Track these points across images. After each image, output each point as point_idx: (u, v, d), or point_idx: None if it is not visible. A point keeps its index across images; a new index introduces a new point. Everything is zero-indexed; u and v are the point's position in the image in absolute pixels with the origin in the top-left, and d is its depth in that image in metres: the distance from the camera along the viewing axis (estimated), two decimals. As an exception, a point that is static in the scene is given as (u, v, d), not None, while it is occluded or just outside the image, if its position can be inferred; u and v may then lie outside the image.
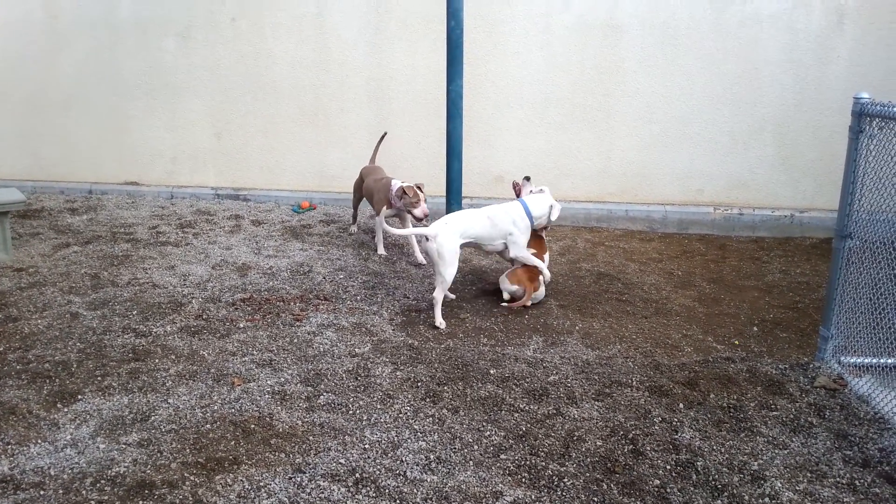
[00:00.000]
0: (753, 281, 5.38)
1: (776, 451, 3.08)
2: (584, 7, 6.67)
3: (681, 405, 3.45)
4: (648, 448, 3.08)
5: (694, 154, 6.81)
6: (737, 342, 4.29)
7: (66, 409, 3.36)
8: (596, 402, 3.47)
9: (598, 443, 3.11)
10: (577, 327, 4.45)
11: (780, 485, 2.84)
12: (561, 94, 6.90)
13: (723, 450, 3.08)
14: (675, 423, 3.28)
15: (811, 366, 3.86)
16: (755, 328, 4.51)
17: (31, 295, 4.78)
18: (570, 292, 5.05)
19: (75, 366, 3.79)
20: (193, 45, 7.49)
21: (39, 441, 3.11)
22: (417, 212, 5.32)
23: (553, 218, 4.85)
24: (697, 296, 5.06)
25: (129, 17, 7.57)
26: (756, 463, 2.99)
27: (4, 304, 4.60)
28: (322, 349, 4.05)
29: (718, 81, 6.62)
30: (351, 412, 3.38)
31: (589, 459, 3.00)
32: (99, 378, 3.66)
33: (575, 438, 3.15)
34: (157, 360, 3.87)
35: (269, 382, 3.64)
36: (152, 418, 3.29)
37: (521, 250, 4.76)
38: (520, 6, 6.78)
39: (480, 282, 5.27)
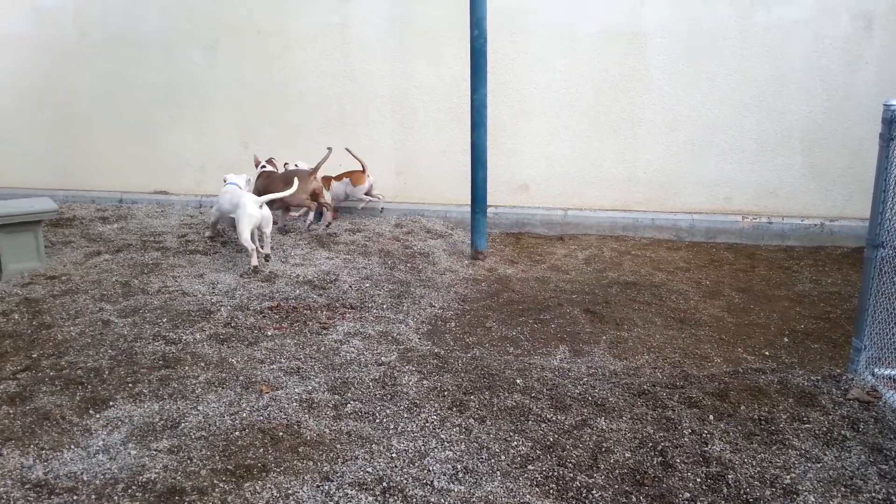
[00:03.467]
0: (783, 291, 5.32)
1: (809, 465, 3.03)
2: (606, 15, 6.66)
3: (711, 417, 3.42)
4: (678, 460, 3.05)
5: (721, 162, 6.75)
6: (767, 353, 4.24)
7: (98, 416, 3.41)
8: (624, 413, 3.44)
9: (626, 454, 3.09)
10: (603, 337, 4.43)
11: (813, 499, 2.80)
12: (585, 103, 6.89)
13: (754, 463, 3.04)
14: (704, 435, 3.24)
15: (844, 377, 3.79)
16: (786, 339, 4.46)
17: (64, 302, 4.86)
18: (597, 301, 5.03)
19: (107, 372, 3.84)
20: (220, 56, 7.60)
21: (72, 447, 3.15)
22: None
23: None
24: (726, 306, 5.01)
25: (155, 30, 7.70)
26: (788, 476, 2.95)
27: (38, 312, 4.68)
28: (349, 357, 4.07)
29: (745, 89, 6.57)
30: (378, 421, 3.39)
31: (617, 471, 2.97)
32: (130, 385, 3.71)
33: (603, 450, 3.13)
34: (186, 368, 3.91)
35: (296, 390, 3.66)
36: (182, 425, 3.33)
37: None
38: (543, 14, 6.78)
39: (507, 291, 5.27)
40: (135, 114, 7.97)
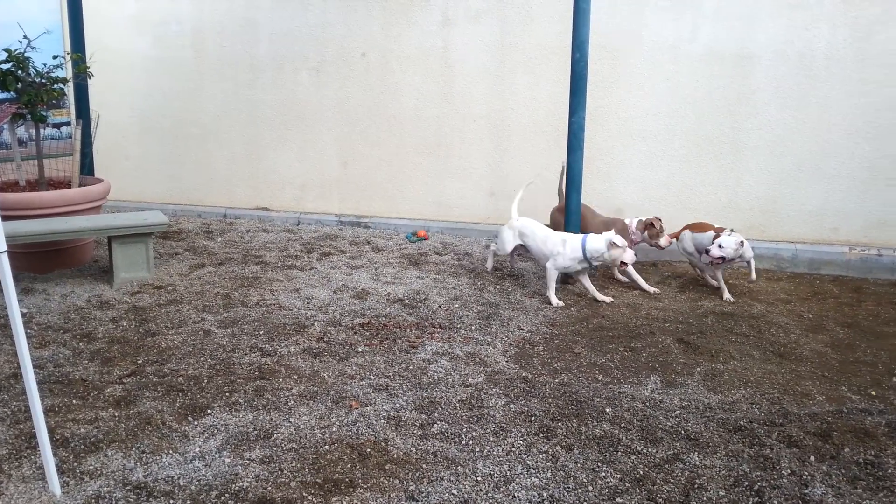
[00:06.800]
0: (893, 327, 5.01)
1: (921, 516, 2.84)
2: (713, 37, 6.51)
3: (812, 458, 3.25)
4: (776, 502, 2.90)
5: (829, 190, 6.45)
6: (874, 393, 4.00)
7: (196, 423, 3.56)
8: (719, 449, 3.32)
9: (720, 493, 2.97)
10: (697, 369, 4.29)
11: (925, 554, 2.61)
12: (686, 126, 6.74)
13: (859, 510, 2.87)
14: (805, 477, 3.08)
15: (962, 424, 3.54)
16: (895, 379, 4.19)
17: (169, 311, 5.11)
18: (691, 331, 4.88)
19: (206, 381, 4.01)
20: (325, 79, 7.86)
21: (171, 451, 3.29)
22: (663, 241, 5.76)
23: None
24: (830, 341, 4.77)
25: (266, 53, 8.05)
26: (897, 527, 2.77)
27: (145, 320, 4.95)
28: (436, 377, 4.09)
29: (859, 114, 6.26)
30: (464, 442, 3.39)
31: (710, 509, 2.87)
32: (227, 394, 3.85)
33: (696, 486, 3.02)
34: (280, 380, 4.03)
35: (384, 407, 3.71)
36: (275, 436, 3.43)
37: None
38: (646, 37, 6.70)
39: (596, 316, 5.18)
40: (244, 132, 8.34)
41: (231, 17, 8.13)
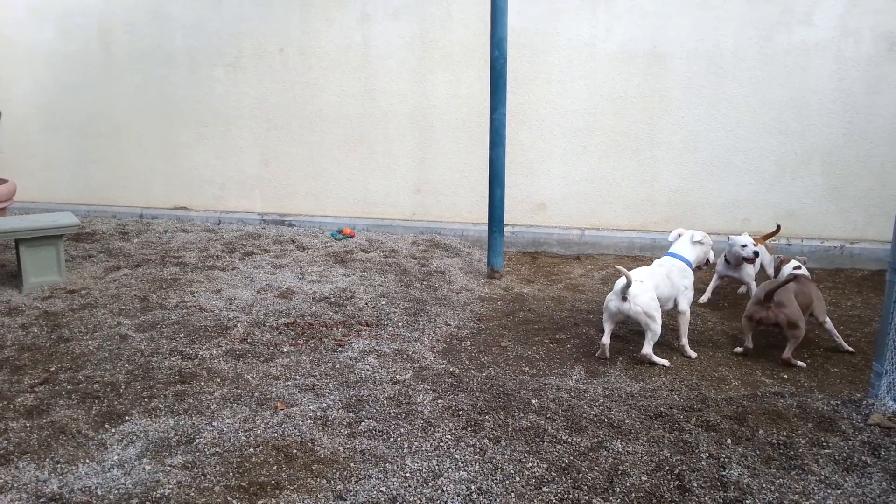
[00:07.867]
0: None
1: (829, 491, 2.98)
2: (627, 36, 6.68)
3: (728, 440, 3.37)
4: (695, 484, 3.01)
5: (740, 183, 6.72)
6: (786, 376, 4.19)
7: (113, 430, 3.43)
8: (640, 436, 3.41)
9: (643, 477, 3.05)
10: (619, 358, 4.40)
11: (832, 526, 2.75)
12: (604, 123, 6.89)
13: (772, 488, 3.00)
14: (722, 459, 3.20)
15: (864, 402, 3.74)
16: (805, 362, 4.40)
17: (83, 316, 4.90)
18: (613, 322, 5.00)
19: (123, 387, 3.86)
20: (243, 75, 7.68)
21: (87, 461, 3.17)
22: None
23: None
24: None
25: (181, 48, 7.80)
26: (807, 502, 2.90)
27: (57, 325, 4.73)
28: (364, 375, 4.06)
29: (765, 110, 6.54)
30: (392, 439, 3.37)
31: (634, 494, 2.94)
32: (146, 399, 3.72)
33: (619, 472, 3.09)
34: (202, 383, 3.92)
35: (311, 407, 3.66)
36: (197, 441, 3.33)
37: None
38: (563, 35, 6.81)
39: (522, 310, 5.25)
40: (158, 130, 8.07)
41: (141, 8, 7.83)
